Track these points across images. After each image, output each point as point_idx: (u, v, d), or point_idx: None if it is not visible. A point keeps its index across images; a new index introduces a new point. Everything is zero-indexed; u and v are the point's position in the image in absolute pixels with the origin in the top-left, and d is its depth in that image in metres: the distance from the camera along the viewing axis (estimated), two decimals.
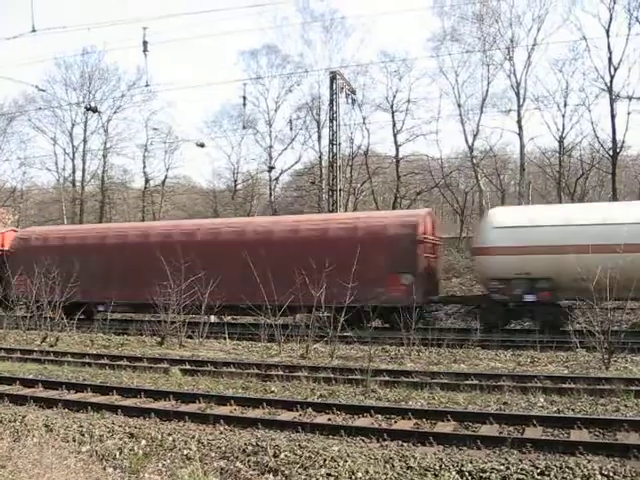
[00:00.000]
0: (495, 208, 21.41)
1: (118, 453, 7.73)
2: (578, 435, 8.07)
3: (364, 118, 41.49)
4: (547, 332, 15.71)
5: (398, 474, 6.73)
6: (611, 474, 6.44)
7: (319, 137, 42.89)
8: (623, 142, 33.39)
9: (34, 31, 20.81)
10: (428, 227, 19.86)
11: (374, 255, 17.18)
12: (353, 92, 35.45)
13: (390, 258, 18.05)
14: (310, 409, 9.64)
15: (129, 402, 10.61)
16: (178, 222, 27.40)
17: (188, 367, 13.65)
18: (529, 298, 16.94)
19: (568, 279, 15.90)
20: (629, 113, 33.22)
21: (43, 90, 35.31)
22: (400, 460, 7.04)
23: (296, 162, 46.02)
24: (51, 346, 17.55)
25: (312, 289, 15.35)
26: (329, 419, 9.23)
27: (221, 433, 8.55)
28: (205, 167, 71.60)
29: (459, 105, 38.27)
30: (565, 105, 35.96)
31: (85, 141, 47.67)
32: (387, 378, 11.66)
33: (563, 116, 36.11)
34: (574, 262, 15.11)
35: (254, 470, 7.11)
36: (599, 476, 6.42)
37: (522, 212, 19.85)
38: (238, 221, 25.98)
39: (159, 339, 17.90)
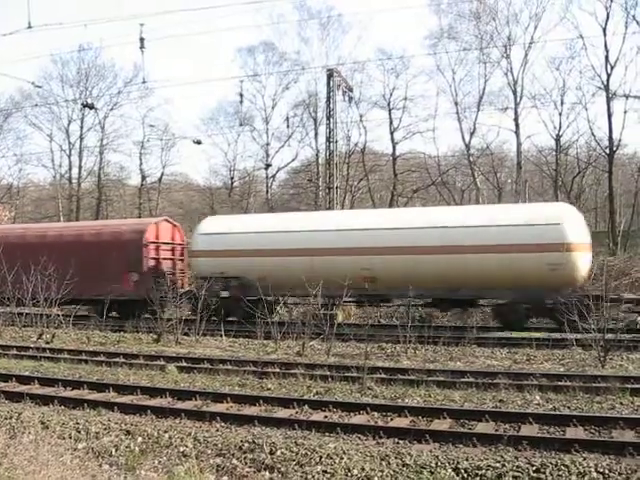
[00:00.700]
0: (207, 218, 24.55)
1: (114, 450, 7.73)
2: (574, 433, 8.08)
3: (361, 116, 41.61)
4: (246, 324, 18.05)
5: (394, 471, 6.74)
6: (607, 471, 6.46)
7: (316, 134, 42.99)
8: (619, 140, 33.46)
9: (30, 27, 20.79)
10: (162, 233, 23.23)
11: (113, 256, 20.61)
12: (350, 89, 35.43)
13: (124, 259, 21.36)
14: (306, 406, 9.65)
15: (125, 399, 10.60)
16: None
17: (184, 364, 13.64)
18: (224, 294, 19.68)
19: (254, 278, 18.77)
20: (626, 111, 33.35)
21: (39, 87, 35.16)
22: (396, 457, 7.05)
23: (293, 159, 46.10)
24: (47, 343, 17.52)
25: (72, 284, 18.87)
26: (325, 416, 9.24)
27: (217, 430, 8.55)
28: (202, 164, 71.76)
29: (456, 103, 38.43)
30: (562, 103, 36.07)
31: (81, 138, 47.68)
32: (383, 376, 11.66)
33: (560, 114, 36.21)
34: (258, 264, 19.25)
35: (250, 467, 7.12)
36: (595, 473, 6.43)
37: (224, 221, 23.17)
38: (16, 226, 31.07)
39: (155, 336, 17.89)
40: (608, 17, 32.44)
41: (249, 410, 9.70)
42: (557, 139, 36.55)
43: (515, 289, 16.31)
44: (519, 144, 36.52)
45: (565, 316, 14.27)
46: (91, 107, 34.65)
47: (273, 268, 19.03)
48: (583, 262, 17.49)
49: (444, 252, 17.68)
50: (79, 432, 8.45)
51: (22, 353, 15.76)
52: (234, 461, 7.27)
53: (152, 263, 22.24)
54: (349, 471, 6.73)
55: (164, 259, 22.96)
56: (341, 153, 37.35)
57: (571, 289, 16.92)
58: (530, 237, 17.13)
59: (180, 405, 10.09)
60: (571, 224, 17.49)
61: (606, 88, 32.75)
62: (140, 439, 8.09)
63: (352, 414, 9.30)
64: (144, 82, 33.33)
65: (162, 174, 48.27)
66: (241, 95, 38.13)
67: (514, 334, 17.43)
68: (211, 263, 20.40)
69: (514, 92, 36.26)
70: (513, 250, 16.98)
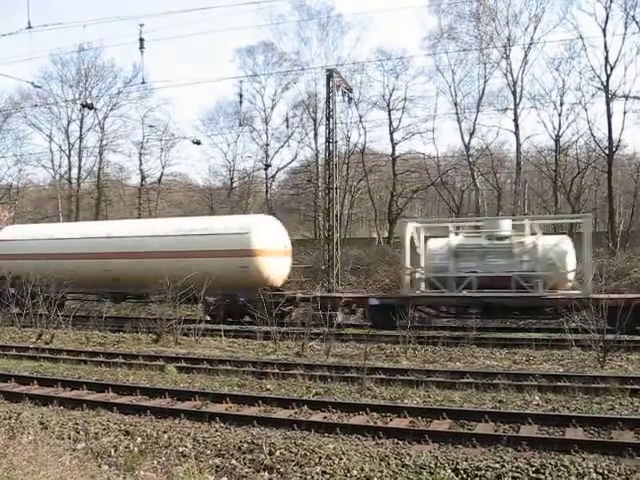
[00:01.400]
0: (7, 226, 29.59)
1: (113, 451, 7.72)
2: (573, 433, 8.09)
3: (360, 116, 41.46)
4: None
5: (393, 472, 6.73)
6: (606, 472, 6.46)
7: (315, 135, 42.82)
8: (619, 141, 33.35)
9: (30, 27, 20.77)
10: None
11: None
12: (350, 90, 35.27)
13: None
14: (306, 407, 9.65)
15: (124, 400, 10.60)
16: None
17: (184, 365, 13.63)
18: (12, 291, 22.46)
19: (31, 277, 21.97)
20: (625, 112, 33.22)
21: (39, 87, 35.03)
22: (395, 458, 7.05)
23: (292, 160, 45.93)
24: (46, 343, 17.52)
25: None
26: (325, 417, 9.24)
27: (217, 431, 8.54)
28: (201, 164, 71.44)
29: (455, 103, 38.26)
30: (561, 104, 35.88)
31: (81, 138, 47.48)
32: (383, 376, 11.67)
33: (559, 115, 36.05)
34: (31, 265, 22.77)
35: (249, 468, 7.11)
36: (594, 474, 6.44)
37: (17, 229, 28.17)
38: None
39: (155, 337, 17.88)
40: (608, 18, 32.33)
41: (248, 410, 9.69)
42: (557, 140, 36.47)
43: (220, 288, 19.06)
44: (518, 145, 36.45)
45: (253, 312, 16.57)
46: (91, 107, 34.56)
47: (42, 269, 22.14)
48: (269, 266, 20.99)
49: (165, 257, 21.34)
50: (78, 432, 8.44)
51: (21, 353, 15.77)
52: (233, 461, 7.26)
53: None
54: (348, 472, 6.73)
55: None
56: (341, 153, 37.23)
57: (262, 288, 19.38)
58: (228, 244, 20.86)
59: (179, 405, 10.09)
60: (259, 234, 21.13)
61: (606, 89, 32.69)
62: (139, 439, 8.08)
63: (351, 415, 9.30)
64: (143, 82, 33.42)
65: (162, 174, 48.10)
66: (240, 95, 38.10)
67: (513, 334, 17.46)
68: (2, 264, 24.48)
69: (514, 93, 36.17)
70: (217, 255, 20.67)
